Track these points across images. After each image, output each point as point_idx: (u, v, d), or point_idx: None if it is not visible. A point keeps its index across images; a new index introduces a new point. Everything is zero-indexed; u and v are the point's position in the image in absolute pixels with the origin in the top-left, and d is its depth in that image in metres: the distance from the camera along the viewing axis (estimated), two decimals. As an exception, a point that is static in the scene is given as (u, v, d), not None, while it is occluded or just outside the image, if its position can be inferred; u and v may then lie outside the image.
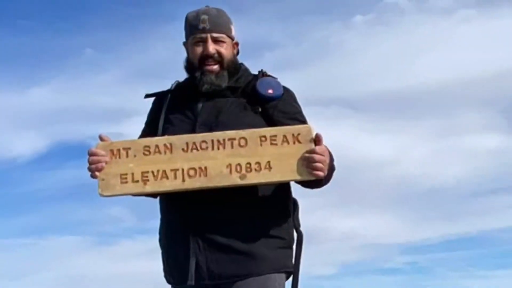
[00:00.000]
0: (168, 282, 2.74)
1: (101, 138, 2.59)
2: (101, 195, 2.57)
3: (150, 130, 2.84)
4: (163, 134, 2.70)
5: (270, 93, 2.65)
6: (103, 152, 2.55)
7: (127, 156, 2.58)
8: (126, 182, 2.55)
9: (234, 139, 2.51)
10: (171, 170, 2.52)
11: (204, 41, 2.68)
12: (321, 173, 2.40)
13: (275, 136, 2.49)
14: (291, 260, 2.66)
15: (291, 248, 2.68)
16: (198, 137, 2.54)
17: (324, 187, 2.64)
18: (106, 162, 2.56)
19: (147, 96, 2.92)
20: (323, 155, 2.41)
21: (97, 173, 2.54)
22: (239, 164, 2.48)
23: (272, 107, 2.66)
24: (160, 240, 2.78)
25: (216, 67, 2.68)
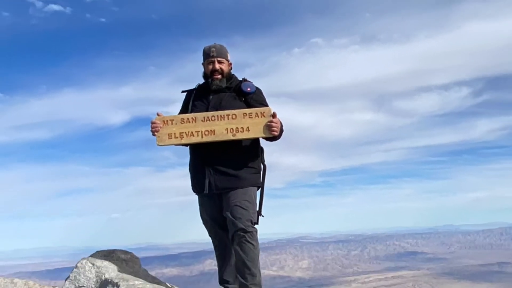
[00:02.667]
0: (194, 191, 4.07)
1: (158, 114, 3.97)
2: (158, 145, 3.94)
3: (184, 110, 4.14)
4: (191, 112, 3.99)
5: (248, 90, 4.00)
6: (159, 122, 3.93)
7: (171, 124, 3.92)
8: (171, 138, 3.92)
9: (229, 115, 3.85)
10: (196, 131, 3.87)
11: (213, 62, 4.00)
12: (276, 133, 3.81)
13: (252, 113, 3.85)
14: (260, 180, 3.99)
15: (260, 173, 4.01)
16: (210, 113, 3.89)
17: (278, 140, 3.98)
18: (160, 127, 3.91)
19: (183, 91, 4.22)
20: (277, 123, 3.80)
21: (155, 133, 3.92)
22: (232, 128, 3.83)
23: (250, 98, 3.99)
24: (189, 169, 4.11)
25: (219, 76, 4.01)
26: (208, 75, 4.04)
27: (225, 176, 3.87)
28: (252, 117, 3.83)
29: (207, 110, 3.95)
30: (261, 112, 3.84)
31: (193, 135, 3.87)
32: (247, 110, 3.88)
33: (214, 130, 3.84)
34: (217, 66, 4.00)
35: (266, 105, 3.99)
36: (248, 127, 3.82)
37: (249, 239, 3.72)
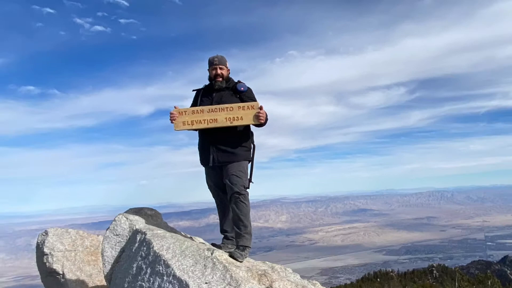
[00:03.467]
0: (201, 164, 4.08)
1: (175, 107, 3.96)
2: (175, 130, 3.94)
3: (194, 104, 4.11)
4: (199, 105, 3.98)
5: (242, 89, 3.98)
6: (175, 113, 3.92)
7: (185, 114, 3.91)
8: (185, 125, 3.91)
9: (228, 107, 3.85)
10: (203, 119, 3.87)
11: (216, 69, 4.00)
12: (262, 121, 3.80)
13: (244, 106, 3.84)
14: (251, 155, 3.99)
15: (250, 151, 4.00)
16: (213, 106, 3.89)
17: (264, 127, 3.96)
18: (177, 117, 3.91)
19: (193, 90, 4.20)
20: (263, 114, 3.79)
21: (173, 121, 3.91)
22: (230, 117, 3.83)
23: (243, 95, 3.97)
24: (198, 147, 4.11)
25: (220, 79, 4.00)
26: (212, 78, 4.05)
27: (225, 153, 3.89)
28: (244, 109, 3.84)
29: (211, 104, 3.95)
30: (251, 106, 3.85)
31: (201, 123, 3.88)
32: (241, 104, 3.88)
33: (216, 119, 3.85)
34: (219, 71, 4.01)
35: (255, 100, 4.00)
36: (241, 117, 3.83)
37: (242, 200, 3.76)
